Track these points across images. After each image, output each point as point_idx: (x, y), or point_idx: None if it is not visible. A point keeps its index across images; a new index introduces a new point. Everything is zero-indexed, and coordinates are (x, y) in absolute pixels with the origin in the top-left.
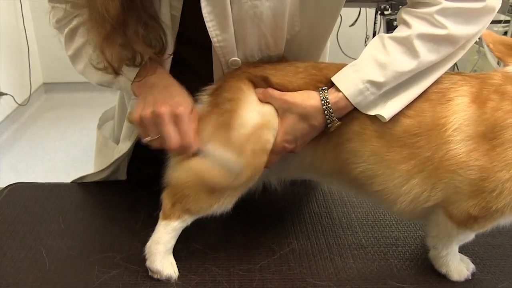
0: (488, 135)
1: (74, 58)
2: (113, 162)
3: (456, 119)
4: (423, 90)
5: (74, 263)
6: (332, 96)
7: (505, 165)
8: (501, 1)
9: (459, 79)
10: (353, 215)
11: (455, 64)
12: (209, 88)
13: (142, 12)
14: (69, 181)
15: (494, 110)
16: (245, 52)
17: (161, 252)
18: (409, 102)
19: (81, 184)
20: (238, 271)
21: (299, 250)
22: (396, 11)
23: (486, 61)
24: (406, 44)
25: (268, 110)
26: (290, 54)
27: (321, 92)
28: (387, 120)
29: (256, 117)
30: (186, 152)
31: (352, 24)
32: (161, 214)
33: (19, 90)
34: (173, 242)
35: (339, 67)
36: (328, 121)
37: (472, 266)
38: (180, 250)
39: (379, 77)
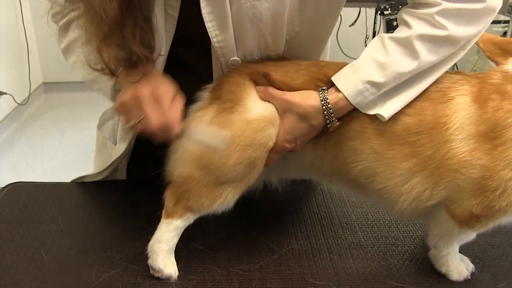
0: (489, 135)
1: (66, 51)
2: (111, 164)
3: (457, 118)
4: (422, 90)
5: (73, 263)
6: (332, 96)
7: (507, 164)
8: (501, 2)
9: (459, 79)
10: (353, 215)
11: (455, 64)
12: (210, 86)
13: (139, 13)
14: (68, 181)
15: (495, 110)
16: (245, 52)
17: (163, 251)
18: (408, 102)
19: (80, 184)
20: (237, 270)
21: (299, 250)
22: (396, 11)
23: (486, 61)
24: (406, 44)
25: (271, 108)
26: (290, 54)
27: (321, 92)
28: (387, 119)
29: (260, 108)
30: (169, 132)
31: (352, 24)
32: (163, 212)
33: (19, 89)
34: (175, 240)
35: (339, 65)
36: (328, 121)
37: (471, 266)
38: (180, 250)
39: (379, 78)
